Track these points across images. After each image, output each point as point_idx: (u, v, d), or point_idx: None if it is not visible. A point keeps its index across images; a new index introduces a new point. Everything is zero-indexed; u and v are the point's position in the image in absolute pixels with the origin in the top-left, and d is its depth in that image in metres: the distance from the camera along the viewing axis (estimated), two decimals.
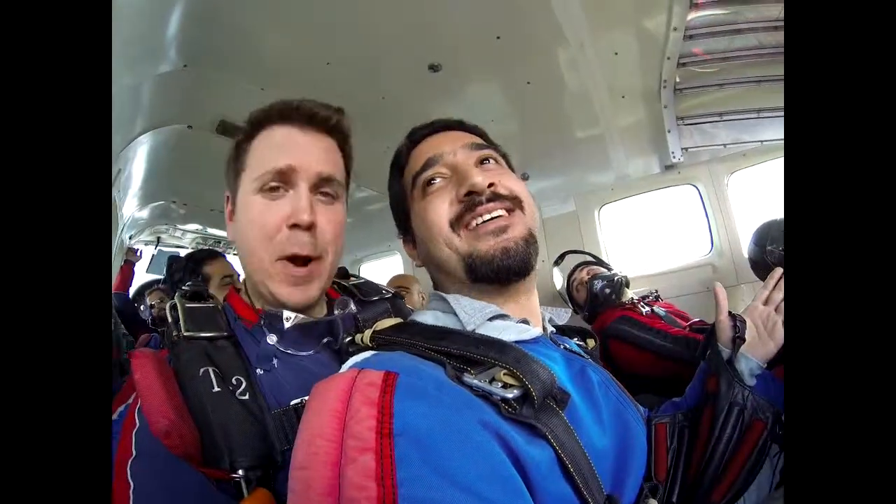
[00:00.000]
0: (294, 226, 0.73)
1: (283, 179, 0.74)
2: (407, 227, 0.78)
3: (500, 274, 0.65)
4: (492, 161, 0.74)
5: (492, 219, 0.67)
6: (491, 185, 0.68)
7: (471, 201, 0.67)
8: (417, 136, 0.78)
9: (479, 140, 0.76)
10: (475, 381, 0.51)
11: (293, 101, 0.77)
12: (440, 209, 0.69)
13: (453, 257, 0.68)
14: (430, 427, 0.44)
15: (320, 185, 0.76)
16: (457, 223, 0.68)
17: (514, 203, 0.69)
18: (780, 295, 0.85)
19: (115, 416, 0.67)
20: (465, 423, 0.46)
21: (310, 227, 0.74)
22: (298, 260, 0.74)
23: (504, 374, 0.52)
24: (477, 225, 0.67)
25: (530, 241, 0.67)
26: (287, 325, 0.75)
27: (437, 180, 0.71)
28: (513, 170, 0.78)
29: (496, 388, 0.51)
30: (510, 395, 0.50)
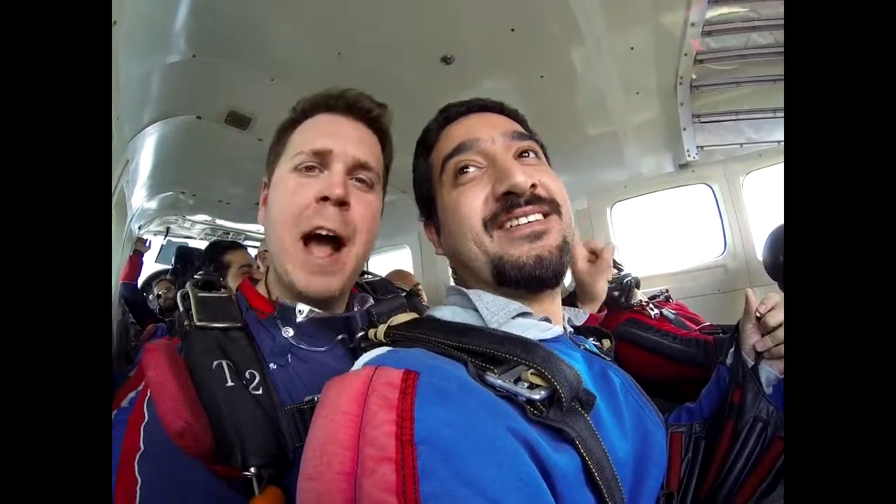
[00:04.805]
0: (323, 199, 0.71)
1: (319, 160, 0.73)
2: (431, 211, 0.73)
3: (530, 282, 0.61)
4: (532, 154, 0.68)
5: (528, 223, 0.62)
6: (532, 185, 0.63)
7: (508, 202, 0.62)
8: (451, 114, 0.72)
9: (519, 128, 0.71)
10: (499, 382, 0.48)
11: (339, 90, 0.77)
12: (473, 203, 0.64)
13: (481, 258, 0.63)
14: (456, 434, 0.41)
15: (356, 170, 0.75)
16: (491, 223, 0.63)
17: (552, 207, 0.64)
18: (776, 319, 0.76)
19: (124, 404, 0.66)
20: (493, 429, 0.43)
21: (341, 204, 0.72)
22: (322, 240, 0.72)
23: (531, 373, 0.49)
24: (511, 227, 0.62)
25: (564, 249, 0.63)
26: (299, 318, 0.74)
27: (471, 169, 0.66)
28: (549, 161, 0.73)
29: (522, 389, 0.48)
30: (537, 397, 0.47)
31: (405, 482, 0.38)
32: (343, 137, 0.75)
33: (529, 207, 0.62)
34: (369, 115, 0.79)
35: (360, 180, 0.76)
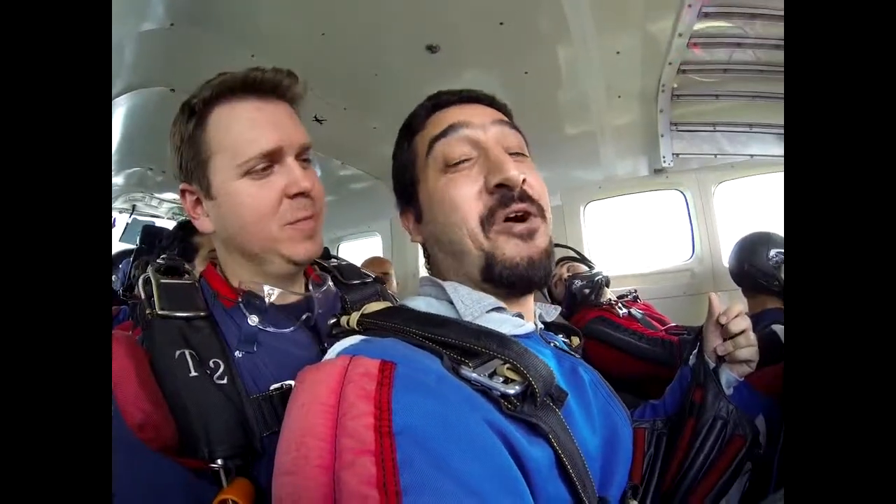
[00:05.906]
0: (296, 195, 0.72)
1: (271, 159, 0.71)
2: (410, 197, 0.71)
3: (520, 282, 0.61)
4: (520, 155, 0.67)
5: (521, 217, 0.61)
6: (523, 180, 0.62)
7: (503, 195, 0.61)
8: (441, 102, 0.70)
9: (508, 121, 0.70)
10: (474, 375, 0.48)
11: (248, 73, 0.72)
12: (467, 194, 0.62)
13: (474, 251, 0.62)
14: (434, 425, 0.41)
15: (301, 154, 0.75)
16: (488, 220, 0.61)
17: (538, 210, 0.63)
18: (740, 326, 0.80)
19: None
20: (471, 421, 0.43)
21: (308, 193, 0.74)
22: (301, 220, 0.74)
23: (507, 368, 0.49)
24: (507, 221, 0.61)
25: (550, 252, 0.63)
26: (270, 299, 0.73)
27: (465, 162, 0.64)
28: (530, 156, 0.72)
29: (497, 384, 0.48)
30: (511, 392, 0.47)
31: (385, 474, 0.37)
32: (283, 127, 0.73)
33: (522, 205, 0.61)
34: (290, 91, 0.76)
35: (304, 160, 0.76)
